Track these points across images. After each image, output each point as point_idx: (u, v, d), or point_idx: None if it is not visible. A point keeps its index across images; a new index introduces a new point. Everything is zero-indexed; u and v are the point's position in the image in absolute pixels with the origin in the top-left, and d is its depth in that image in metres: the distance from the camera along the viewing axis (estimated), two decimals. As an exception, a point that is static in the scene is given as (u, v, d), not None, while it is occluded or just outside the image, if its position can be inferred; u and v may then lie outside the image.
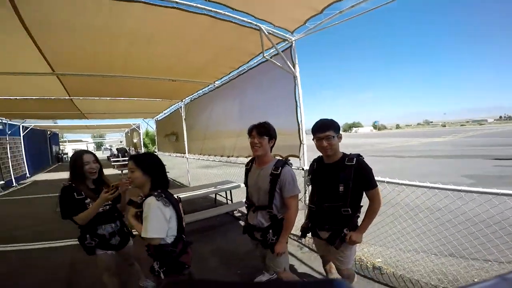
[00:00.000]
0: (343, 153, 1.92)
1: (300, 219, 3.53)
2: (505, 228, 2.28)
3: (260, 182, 2.03)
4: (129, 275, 2.69)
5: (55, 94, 5.38)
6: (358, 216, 1.96)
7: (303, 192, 2.17)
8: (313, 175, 2.07)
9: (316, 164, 2.07)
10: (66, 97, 5.57)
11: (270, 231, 2.01)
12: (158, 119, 10.76)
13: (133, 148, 18.41)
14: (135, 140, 17.25)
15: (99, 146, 47.86)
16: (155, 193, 1.64)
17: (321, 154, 2.00)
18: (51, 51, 3.01)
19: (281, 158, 2.07)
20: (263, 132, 1.95)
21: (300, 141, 3.28)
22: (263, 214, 2.06)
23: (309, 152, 2.12)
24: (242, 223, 4.48)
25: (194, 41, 3.07)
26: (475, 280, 2.34)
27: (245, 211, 4.72)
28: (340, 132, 1.92)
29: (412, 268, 2.63)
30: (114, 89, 5.06)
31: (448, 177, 7.61)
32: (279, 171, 1.93)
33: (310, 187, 2.19)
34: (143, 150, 15.84)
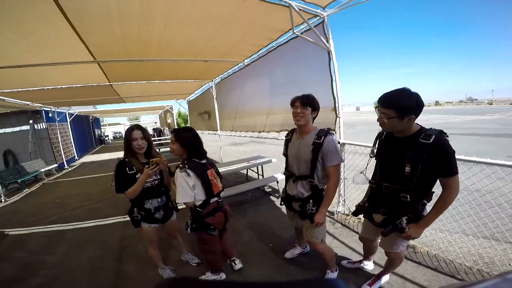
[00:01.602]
0: (421, 126, 1.58)
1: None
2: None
3: (301, 151, 2.03)
4: (172, 248, 2.92)
5: (97, 81, 5.71)
6: (425, 204, 1.66)
7: (365, 166, 2.06)
8: (380, 147, 1.85)
9: (385, 135, 1.81)
10: (107, 83, 5.92)
11: (310, 201, 2.02)
12: (190, 99, 11.08)
13: (167, 128, 19.35)
14: (169, 121, 18.01)
15: (135, 128, 50.31)
16: (180, 165, 1.96)
17: None
18: (91, 39, 3.16)
19: (323, 128, 2.02)
20: (306, 102, 1.93)
21: (336, 115, 3.27)
22: (304, 184, 2.06)
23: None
24: (272, 198, 4.65)
25: (225, 20, 3.07)
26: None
27: (275, 187, 4.90)
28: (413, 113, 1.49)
29: (447, 248, 2.58)
30: (149, 72, 5.26)
31: (493, 157, 6.99)
32: (322, 140, 1.91)
33: (373, 160, 1.93)
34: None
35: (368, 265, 2.45)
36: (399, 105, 1.48)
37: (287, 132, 2.29)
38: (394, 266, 2.08)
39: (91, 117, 20.09)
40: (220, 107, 7.51)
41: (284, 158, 2.26)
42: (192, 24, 3.09)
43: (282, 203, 2.33)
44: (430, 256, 2.52)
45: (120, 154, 2.20)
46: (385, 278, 2.21)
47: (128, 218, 2.29)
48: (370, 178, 1.95)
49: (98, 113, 19.67)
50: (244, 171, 5.77)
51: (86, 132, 18.46)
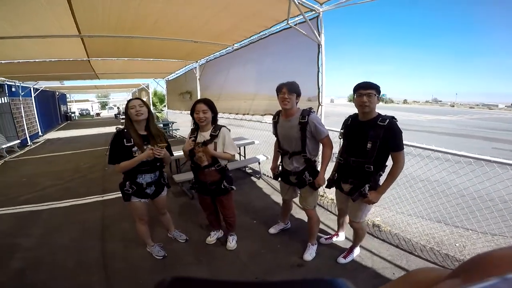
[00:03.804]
0: (378, 113, 2.00)
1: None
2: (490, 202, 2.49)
3: (290, 131, 2.29)
4: (158, 225, 2.96)
5: (74, 56, 5.35)
6: (381, 174, 2.09)
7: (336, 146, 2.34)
8: (346, 129, 2.20)
9: (351, 120, 2.18)
10: (84, 58, 5.56)
11: (306, 172, 2.31)
12: (169, 79, 10.87)
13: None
14: (144, 99, 17.29)
15: (103, 105, 47.68)
16: (223, 126, 2.30)
17: (357, 112, 2.10)
18: (82, 12, 2.99)
19: (305, 108, 2.27)
20: (292, 89, 2.18)
21: (319, 103, 3.48)
22: (298, 159, 2.33)
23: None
24: (253, 179, 4.83)
25: (226, 5, 3.11)
26: (457, 245, 2.67)
27: (257, 168, 5.03)
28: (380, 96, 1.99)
29: (406, 228, 2.95)
30: (135, 49, 5.06)
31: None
32: (306, 119, 2.18)
33: (342, 140, 2.32)
34: (151, 108, 15.89)
35: (340, 236, 2.81)
36: (378, 87, 1.94)
37: (273, 115, 2.52)
38: (359, 237, 2.43)
39: (57, 93, 18.90)
40: (203, 88, 7.51)
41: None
42: (194, 5, 3.08)
43: (279, 178, 2.61)
44: (392, 235, 2.89)
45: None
46: (357, 251, 2.54)
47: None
48: (338, 156, 2.34)
49: (65, 89, 18.35)
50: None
51: (52, 108, 17.49)
